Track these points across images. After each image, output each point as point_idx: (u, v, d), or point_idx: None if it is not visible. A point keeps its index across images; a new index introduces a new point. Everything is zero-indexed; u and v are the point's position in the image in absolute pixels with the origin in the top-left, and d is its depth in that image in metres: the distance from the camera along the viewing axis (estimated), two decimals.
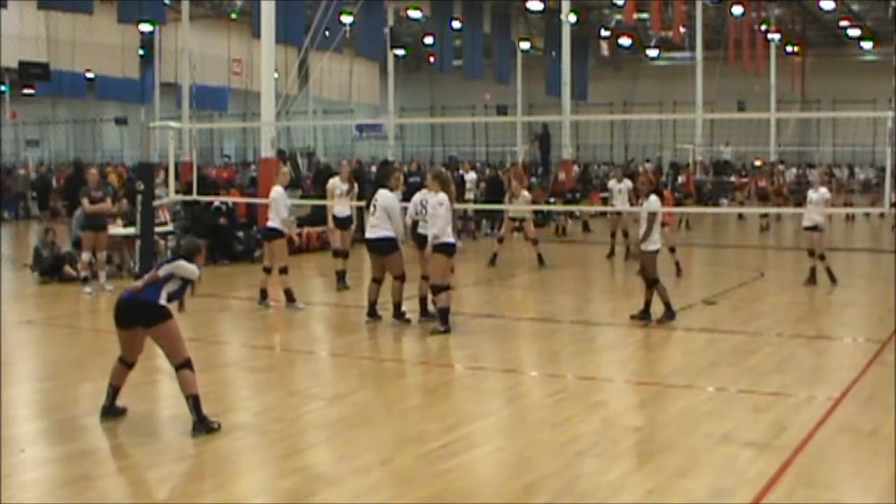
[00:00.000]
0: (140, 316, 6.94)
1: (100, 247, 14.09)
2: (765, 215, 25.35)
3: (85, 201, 13.94)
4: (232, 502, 5.65)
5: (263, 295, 12.48)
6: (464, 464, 6.28)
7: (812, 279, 14.36)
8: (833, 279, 14.28)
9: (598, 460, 6.35)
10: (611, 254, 18.31)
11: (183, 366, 6.90)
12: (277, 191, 12.41)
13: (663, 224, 15.26)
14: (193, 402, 6.83)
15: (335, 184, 14.52)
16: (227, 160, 36.85)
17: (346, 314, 12.71)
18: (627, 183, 18.92)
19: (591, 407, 7.69)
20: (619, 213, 18.26)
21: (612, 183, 19.92)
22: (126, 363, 7.16)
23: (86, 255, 13.95)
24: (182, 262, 7.05)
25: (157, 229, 15.05)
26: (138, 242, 14.06)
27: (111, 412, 7.18)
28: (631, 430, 7.04)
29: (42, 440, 6.90)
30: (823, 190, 14.76)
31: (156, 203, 14.43)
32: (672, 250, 15.50)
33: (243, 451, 6.63)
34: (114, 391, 7.18)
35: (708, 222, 27.73)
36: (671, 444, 6.66)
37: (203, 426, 6.78)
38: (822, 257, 14.42)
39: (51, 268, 14.86)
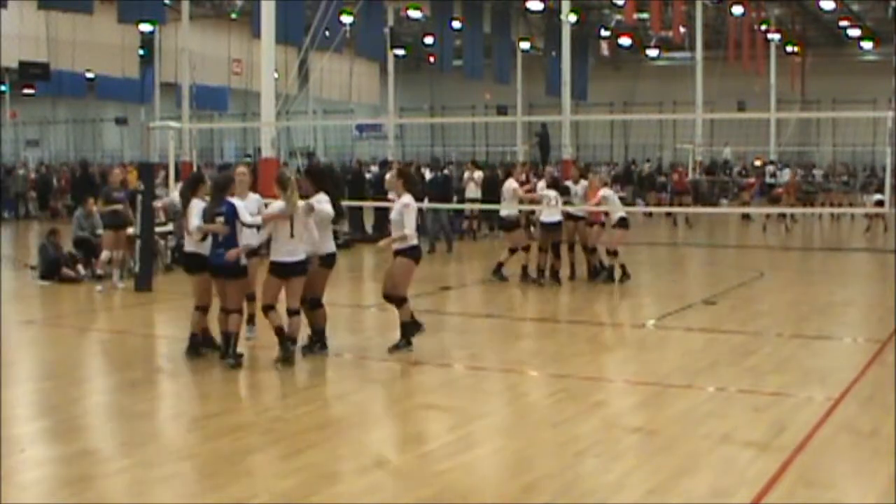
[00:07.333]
0: (228, 271, 8.74)
1: (119, 246, 14.18)
2: (783, 215, 24.80)
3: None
4: (232, 502, 5.65)
5: None
6: (464, 464, 6.28)
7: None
8: None
9: (598, 460, 6.35)
10: (571, 275, 15.05)
11: (236, 311, 8.85)
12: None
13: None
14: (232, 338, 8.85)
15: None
16: (249, 159, 36.44)
17: (346, 314, 12.71)
18: (584, 183, 15.29)
19: (591, 407, 7.69)
20: (576, 220, 14.76)
21: (568, 182, 15.77)
22: (202, 309, 9.04)
23: (105, 254, 14.14)
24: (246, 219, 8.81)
25: (157, 229, 15.07)
26: (138, 242, 14.09)
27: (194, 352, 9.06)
28: (631, 430, 7.04)
29: (42, 440, 6.91)
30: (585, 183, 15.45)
31: (156, 203, 14.44)
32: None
33: (243, 451, 6.63)
34: (193, 337, 9.06)
35: (707, 222, 27.73)
36: (671, 444, 6.66)
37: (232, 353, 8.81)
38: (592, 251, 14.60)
39: (50, 268, 14.86)
